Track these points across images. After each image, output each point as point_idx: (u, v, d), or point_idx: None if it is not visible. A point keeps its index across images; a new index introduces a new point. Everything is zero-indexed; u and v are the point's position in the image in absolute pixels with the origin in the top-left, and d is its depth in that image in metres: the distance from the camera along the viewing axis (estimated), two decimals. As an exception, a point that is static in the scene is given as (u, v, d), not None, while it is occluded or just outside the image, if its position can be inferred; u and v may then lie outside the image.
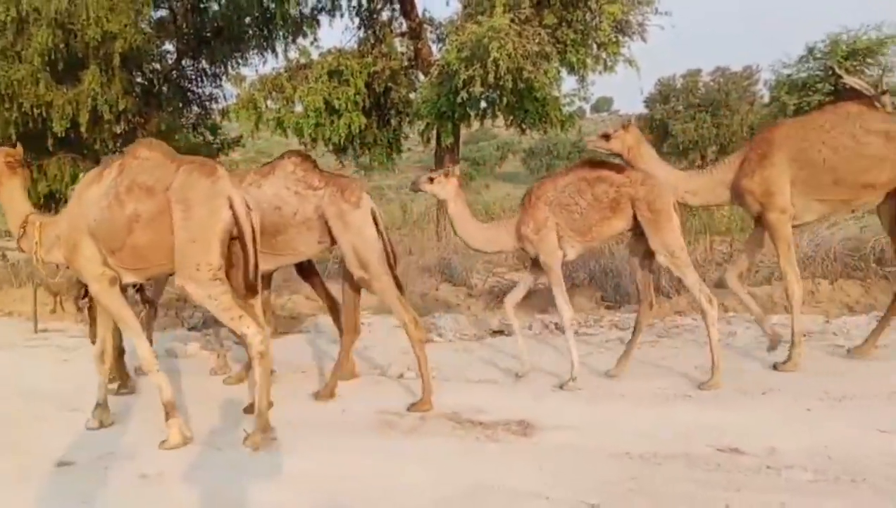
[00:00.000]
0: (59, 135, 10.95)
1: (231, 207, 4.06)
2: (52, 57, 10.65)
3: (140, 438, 4.85)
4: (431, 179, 5.53)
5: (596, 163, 5.43)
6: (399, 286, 5.16)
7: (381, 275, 5.02)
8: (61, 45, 10.67)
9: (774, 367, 5.54)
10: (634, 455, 4.04)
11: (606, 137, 5.71)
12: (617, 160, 5.68)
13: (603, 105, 64.73)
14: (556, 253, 5.29)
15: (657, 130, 35.29)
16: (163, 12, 14.09)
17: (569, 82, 11.61)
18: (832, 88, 17.41)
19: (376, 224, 5.03)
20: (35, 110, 10.65)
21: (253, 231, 4.18)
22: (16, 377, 6.88)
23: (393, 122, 13.86)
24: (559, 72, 10.65)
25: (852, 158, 4.95)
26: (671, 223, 5.05)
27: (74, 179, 11.50)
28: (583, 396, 5.27)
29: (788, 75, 19.88)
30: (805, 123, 5.32)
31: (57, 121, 10.64)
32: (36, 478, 4.18)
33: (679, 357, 6.18)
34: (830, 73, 17.54)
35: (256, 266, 4.20)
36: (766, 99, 34.28)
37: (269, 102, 12.43)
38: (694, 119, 33.85)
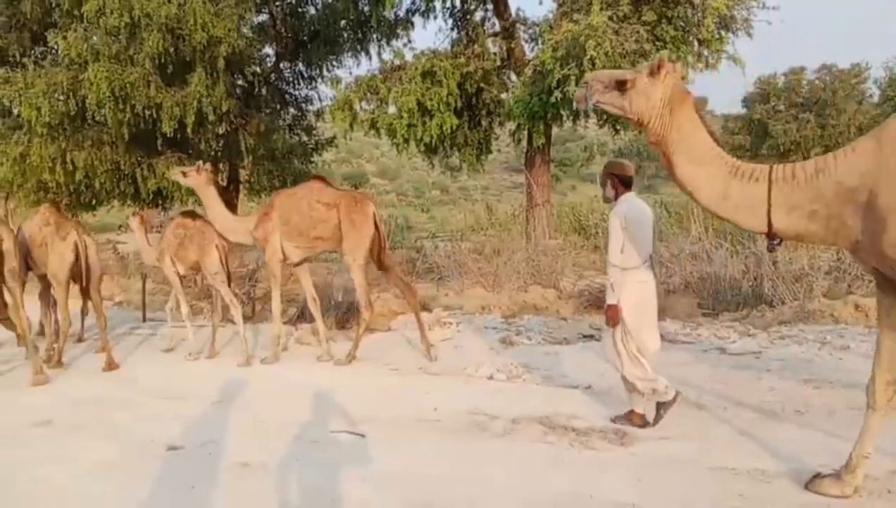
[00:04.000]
0: (167, 135, 11.50)
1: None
2: (162, 60, 11.17)
3: (242, 426, 5.02)
4: None
5: (189, 214, 7.81)
6: (89, 296, 7.39)
7: (59, 285, 7.06)
8: (170, 50, 11.19)
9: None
10: (741, 471, 3.84)
11: (184, 174, 7.57)
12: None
13: (698, 105, 62.42)
14: (169, 270, 7.68)
15: (756, 131, 33.79)
16: (263, 17, 14.58)
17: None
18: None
19: (77, 254, 7.06)
20: (146, 112, 11.20)
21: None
22: (124, 365, 7.27)
23: (483, 122, 13.82)
24: (658, 70, 10.33)
25: (308, 219, 7.03)
26: (210, 257, 7.36)
27: (180, 177, 12.07)
28: (682, 406, 5.06)
29: (905, 72, 18.61)
30: (291, 193, 7.40)
31: (166, 122, 11.13)
32: (147, 461, 4.39)
33: (786, 370, 5.85)
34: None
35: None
36: (876, 98, 32.27)
37: (363, 104, 12.65)
38: (797, 119, 32.19)
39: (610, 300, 4.53)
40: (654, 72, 3.69)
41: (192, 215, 7.73)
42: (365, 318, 6.99)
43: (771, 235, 3.47)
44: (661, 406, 4.64)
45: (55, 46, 11.77)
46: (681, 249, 9.77)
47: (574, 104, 3.98)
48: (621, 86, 3.77)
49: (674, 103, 3.68)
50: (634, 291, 4.53)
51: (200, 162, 7.71)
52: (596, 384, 5.72)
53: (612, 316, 4.53)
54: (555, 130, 13.59)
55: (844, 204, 3.18)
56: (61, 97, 11.22)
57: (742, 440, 4.33)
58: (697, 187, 3.65)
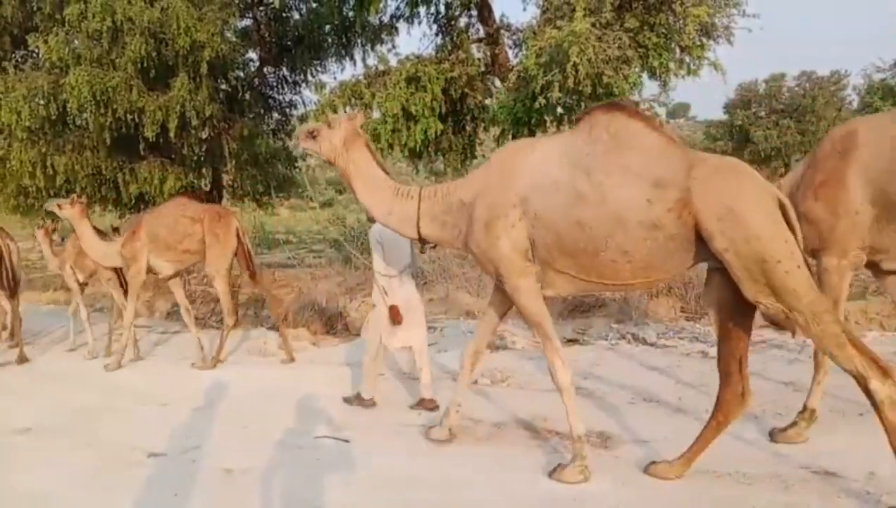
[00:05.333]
0: (149, 140, 11.40)
1: None
2: (145, 65, 11.07)
3: (226, 432, 5.00)
4: None
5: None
6: (14, 296, 8.00)
7: None
8: (153, 54, 11.09)
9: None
10: (723, 473, 3.88)
11: (59, 206, 7.72)
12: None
13: (680, 111, 62.96)
14: (69, 278, 8.37)
15: (737, 137, 34.10)
16: (247, 22, 14.51)
17: (649, 87, 11.25)
18: (932, 92, 16.45)
19: (2, 259, 7.68)
20: (128, 116, 11.09)
21: None
22: (103, 372, 7.21)
23: (468, 127, 13.83)
24: (640, 77, 10.38)
25: (174, 233, 7.29)
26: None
27: (163, 181, 11.97)
28: (665, 410, 5.11)
29: (882, 80, 18.92)
30: (158, 211, 7.83)
31: (148, 126, 11.03)
32: (129, 468, 4.35)
33: (766, 373, 5.91)
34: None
35: None
36: (856, 105, 32.69)
37: (347, 109, 12.60)
38: (777, 126, 32.50)
39: (389, 302, 5.42)
40: (332, 124, 4.64)
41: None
42: (228, 324, 7.43)
43: (422, 240, 4.55)
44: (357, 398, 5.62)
45: (36, 50, 11.66)
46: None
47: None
48: (312, 134, 4.75)
49: (349, 145, 4.60)
50: (397, 295, 5.44)
51: (74, 195, 8.13)
52: (579, 389, 5.73)
53: (395, 315, 5.39)
54: (538, 135, 13.62)
55: (462, 216, 4.22)
56: (42, 101, 11.08)
57: (723, 443, 4.34)
58: (371, 207, 4.65)
